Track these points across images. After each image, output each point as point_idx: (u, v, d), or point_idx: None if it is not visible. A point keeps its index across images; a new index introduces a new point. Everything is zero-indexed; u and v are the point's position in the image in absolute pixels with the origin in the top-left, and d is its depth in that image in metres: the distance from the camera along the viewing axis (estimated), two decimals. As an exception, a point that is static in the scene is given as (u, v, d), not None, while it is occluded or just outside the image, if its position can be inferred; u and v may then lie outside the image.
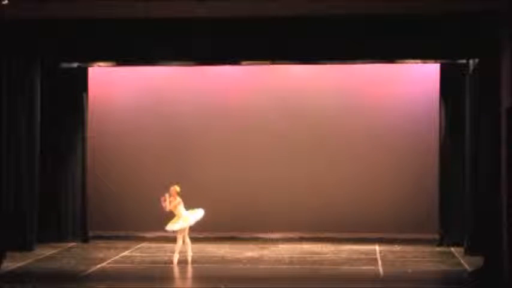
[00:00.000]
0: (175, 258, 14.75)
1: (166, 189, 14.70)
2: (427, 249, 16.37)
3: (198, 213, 14.82)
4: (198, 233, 16.40)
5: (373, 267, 14.54)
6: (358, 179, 17.66)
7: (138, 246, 16.87)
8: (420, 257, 15.55)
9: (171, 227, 14.72)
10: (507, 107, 13.40)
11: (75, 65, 16.85)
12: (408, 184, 17.46)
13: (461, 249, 15.80)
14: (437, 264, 14.91)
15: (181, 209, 14.69)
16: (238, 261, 15.17)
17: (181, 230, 14.74)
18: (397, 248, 16.58)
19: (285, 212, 17.65)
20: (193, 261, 14.94)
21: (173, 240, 15.48)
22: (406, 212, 17.34)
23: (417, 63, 16.78)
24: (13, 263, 14.69)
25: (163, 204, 14.62)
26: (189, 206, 14.86)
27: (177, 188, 14.73)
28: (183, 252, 14.84)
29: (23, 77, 16.04)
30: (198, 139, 18.02)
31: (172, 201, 14.64)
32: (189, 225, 14.77)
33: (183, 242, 14.76)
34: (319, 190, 17.66)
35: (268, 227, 17.72)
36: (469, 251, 15.45)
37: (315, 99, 17.79)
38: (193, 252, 15.13)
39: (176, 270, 14.48)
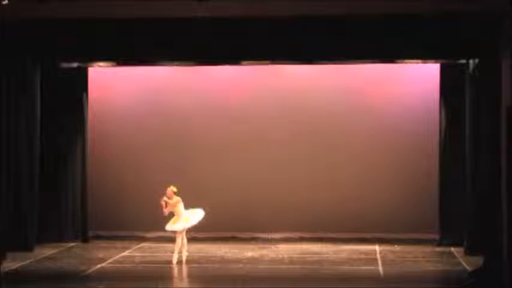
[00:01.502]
0: (175, 258, 14.75)
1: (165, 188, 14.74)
2: (427, 249, 16.37)
3: (198, 214, 14.81)
4: (198, 233, 16.42)
5: (373, 267, 14.54)
6: (358, 179, 17.66)
7: (138, 246, 16.87)
8: (420, 257, 15.55)
9: (171, 227, 14.72)
10: (507, 107, 13.40)
11: (75, 65, 16.83)
12: (408, 184, 17.46)
13: (461, 249, 15.81)
14: (437, 264, 14.91)
15: (180, 209, 14.68)
16: (238, 261, 15.17)
17: (182, 230, 14.75)
18: (397, 248, 16.58)
19: (285, 212, 17.65)
20: (194, 261, 14.95)
21: (173, 240, 15.48)
22: (406, 212, 17.34)
23: (417, 63, 16.77)
24: (13, 263, 14.69)
25: (164, 210, 14.64)
26: (189, 205, 14.86)
27: (174, 189, 14.73)
28: (179, 252, 14.84)
29: (23, 77, 16.04)
30: (198, 139, 18.02)
31: (170, 202, 14.64)
32: (190, 226, 14.77)
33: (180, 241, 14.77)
34: (319, 190, 17.66)
35: (268, 227, 17.72)
36: (469, 251, 15.45)
37: (315, 99, 17.80)
38: (193, 253, 15.14)
39: (176, 270, 14.48)
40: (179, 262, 14.76)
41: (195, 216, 14.77)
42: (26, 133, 16.13)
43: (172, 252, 14.87)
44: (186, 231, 14.93)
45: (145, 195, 17.71)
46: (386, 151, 17.64)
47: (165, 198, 14.64)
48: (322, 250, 16.35)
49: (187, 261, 14.90)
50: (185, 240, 14.89)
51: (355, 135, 17.74)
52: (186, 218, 14.67)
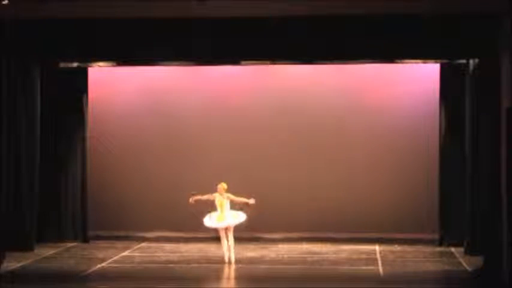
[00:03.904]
0: (226, 256, 14.73)
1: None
2: (427, 249, 16.38)
3: (239, 217, 14.77)
4: (197, 233, 16.43)
5: (373, 267, 14.54)
6: (358, 179, 17.65)
7: (138, 246, 16.88)
8: (420, 257, 15.56)
9: (206, 222, 14.69)
10: (507, 107, 13.40)
11: (75, 65, 16.84)
12: (408, 184, 17.45)
13: (461, 249, 15.81)
14: (437, 264, 14.92)
15: (224, 207, 14.64)
16: (238, 261, 15.16)
17: (219, 229, 14.70)
18: (397, 248, 16.59)
19: (285, 212, 17.64)
20: (194, 261, 14.96)
21: (173, 240, 15.60)
22: (406, 212, 17.33)
23: (417, 63, 16.78)
24: (13, 263, 14.69)
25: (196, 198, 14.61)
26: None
27: (224, 185, 14.74)
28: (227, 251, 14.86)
29: (23, 77, 16.04)
30: (198, 139, 18.01)
31: (220, 198, 14.64)
32: (221, 227, 14.67)
33: (227, 241, 14.75)
34: (319, 190, 17.65)
35: (268, 227, 17.71)
36: (469, 251, 15.45)
37: (315, 99, 17.79)
38: (193, 253, 15.16)
39: (176, 270, 14.47)
40: (183, 262, 14.78)
41: (231, 218, 14.72)
42: (26, 133, 16.13)
43: (172, 252, 14.88)
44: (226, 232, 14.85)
45: (145, 195, 17.74)
46: (386, 151, 17.63)
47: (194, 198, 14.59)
48: (322, 250, 16.36)
49: (187, 261, 14.92)
50: (231, 241, 14.79)
51: (355, 135, 17.73)
52: (220, 217, 14.62)
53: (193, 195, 14.67)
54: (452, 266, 14.75)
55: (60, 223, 17.32)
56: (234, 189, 17.63)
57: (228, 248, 14.77)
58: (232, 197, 14.72)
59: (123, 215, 17.91)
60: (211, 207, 14.77)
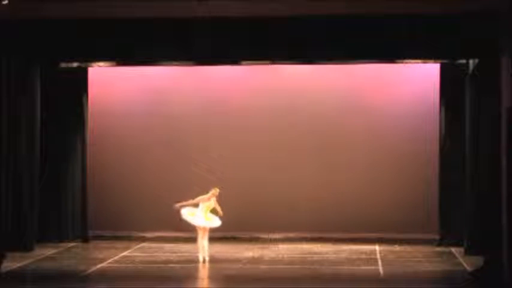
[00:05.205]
0: (201, 256, 14.81)
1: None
2: (427, 249, 16.38)
3: (217, 221, 14.86)
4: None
5: (373, 267, 14.55)
6: (358, 179, 17.65)
7: (138, 246, 16.88)
8: (420, 257, 15.56)
9: (192, 220, 14.81)
10: (507, 107, 13.40)
11: (75, 65, 16.84)
12: (408, 184, 17.45)
13: (461, 249, 15.81)
14: (437, 264, 14.92)
15: (203, 207, 14.70)
16: (238, 261, 15.17)
17: (198, 229, 14.79)
18: (397, 248, 16.59)
19: (285, 212, 17.64)
20: (194, 261, 14.95)
21: (173, 240, 15.53)
22: (406, 212, 17.33)
23: (417, 63, 16.78)
24: (13, 263, 14.69)
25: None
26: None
27: (217, 191, 14.88)
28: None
29: (23, 77, 16.04)
30: (198, 139, 18.01)
31: (208, 203, 14.77)
32: (211, 226, 14.81)
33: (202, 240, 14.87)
34: (319, 190, 17.64)
35: (268, 227, 17.71)
36: (469, 251, 15.45)
37: (315, 99, 17.79)
38: (193, 253, 15.13)
39: (176, 270, 14.47)
40: (183, 262, 14.83)
41: (216, 221, 14.88)
42: (26, 133, 16.13)
43: (172, 252, 14.90)
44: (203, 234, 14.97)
45: (145, 195, 17.74)
46: (386, 151, 17.63)
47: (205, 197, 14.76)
48: (322, 250, 16.36)
49: (187, 261, 14.94)
50: (204, 241, 14.91)
51: (355, 135, 17.73)
52: (207, 218, 14.77)
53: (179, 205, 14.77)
54: (452, 266, 14.76)
55: (60, 223, 17.31)
56: (234, 188, 17.73)
57: (203, 248, 14.81)
58: (217, 206, 14.81)
59: (123, 215, 17.92)
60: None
